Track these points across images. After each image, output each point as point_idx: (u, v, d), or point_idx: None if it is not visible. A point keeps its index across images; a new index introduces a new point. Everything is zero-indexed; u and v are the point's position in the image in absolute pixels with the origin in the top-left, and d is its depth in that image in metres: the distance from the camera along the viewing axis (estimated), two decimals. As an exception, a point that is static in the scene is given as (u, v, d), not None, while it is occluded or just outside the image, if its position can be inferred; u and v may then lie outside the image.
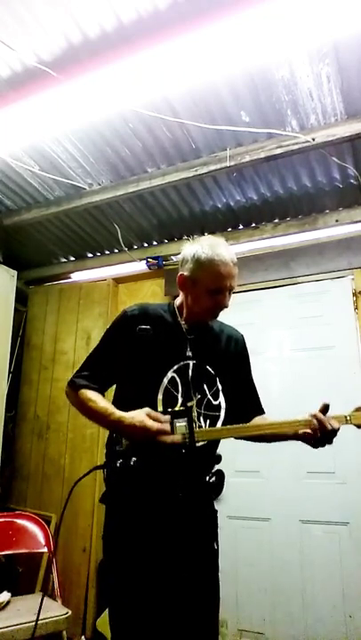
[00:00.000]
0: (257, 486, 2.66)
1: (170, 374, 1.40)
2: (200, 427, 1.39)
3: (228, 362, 1.53)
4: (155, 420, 1.24)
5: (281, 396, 2.69)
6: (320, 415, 1.31)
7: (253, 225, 2.96)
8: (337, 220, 2.74)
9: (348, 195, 2.63)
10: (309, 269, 2.80)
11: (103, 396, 1.42)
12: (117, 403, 1.41)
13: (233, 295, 1.46)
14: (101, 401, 1.37)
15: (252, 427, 1.44)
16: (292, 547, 2.51)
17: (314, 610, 2.39)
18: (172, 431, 1.24)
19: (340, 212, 2.74)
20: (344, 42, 1.80)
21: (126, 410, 1.32)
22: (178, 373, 1.41)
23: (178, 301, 1.53)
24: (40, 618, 2.07)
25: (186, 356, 1.44)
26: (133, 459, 1.29)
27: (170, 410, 1.31)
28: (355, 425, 1.34)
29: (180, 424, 1.25)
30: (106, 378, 1.45)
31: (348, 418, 1.35)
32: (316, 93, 2.05)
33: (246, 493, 2.64)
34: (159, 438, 1.22)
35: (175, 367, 1.42)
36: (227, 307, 1.44)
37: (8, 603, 2.24)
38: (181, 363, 1.43)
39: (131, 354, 1.41)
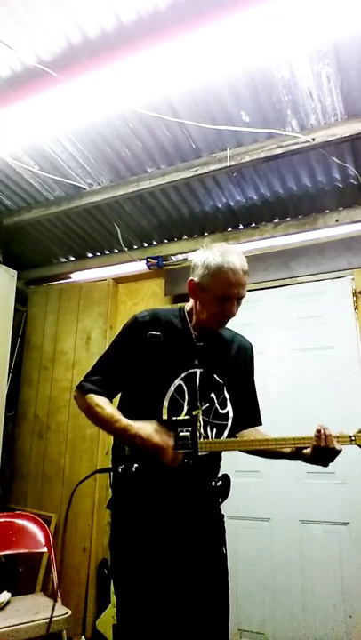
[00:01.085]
0: (257, 486, 2.66)
1: (177, 382, 1.39)
2: (206, 436, 1.39)
3: (236, 371, 1.53)
4: (163, 435, 1.24)
5: (281, 397, 2.69)
6: (328, 431, 1.28)
7: (253, 225, 2.96)
8: (337, 220, 2.74)
9: (348, 195, 2.63)
10: (309, 269, 2.80)
11: (111, 401, 1.43)
12: (123, 408, 1.41)
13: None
14: (108, 407, 1.37)
15: (257, 441, 1.41)
16: (292, 547, 2.51)
17: (314, 610, 2.39)
18: (176, 439, 1.25)
19: (340, 211, 2.74)
20: (344, 42, 1.80)
21: (131, 416, 1.32)
22: (185, 381, 1.41)
23: (188, 307, 1.52)
24: (40, 618, 2.07)
25: (193, 364, 1.43)
26: (135, 465, 1.29)
27: (174, 418, 1.32)
28: (359, 446, 1.31)
29: (184, 433, 1.25)
30: (115, 383, 1.45)
31: (353, 438, 1.30)
32: (316, 93, 2.05)
33: (246, 493, 2.64)
34: (161, 457, 1.23)
35: (183, 375, 1.41)
36: (233, 315, 1.43)
37: (8, 603, 2.24)
38: (190, 370, 1.42)
39: (140, 360, 1.41)
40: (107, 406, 1.36)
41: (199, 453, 1.26)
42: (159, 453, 1.23)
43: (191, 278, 1.44)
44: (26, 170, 2.62)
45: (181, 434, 1.25)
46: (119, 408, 1.42)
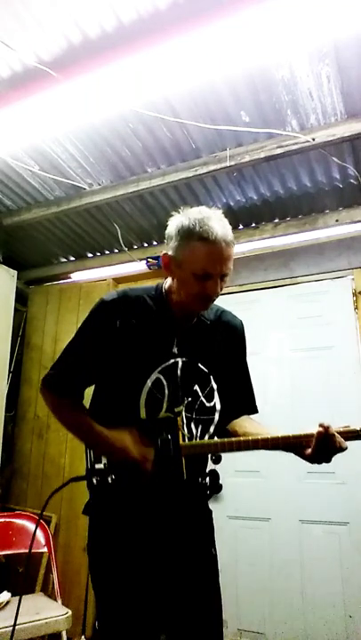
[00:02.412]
0: (257, 486, 2.66)
1: (154, 375, 1.21)
2: (190, 434, 1.24)
3: (224, 356, 1.34)
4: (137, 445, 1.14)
5: (280, 397, 2.69)
6: (332, 429, 1.07)
7: (253, 225, 2.96)
8: (337, 220, 2.73)
9: (348, 195, 2.63)
10: (309, 269, 2.81)
11: (82, 397, 1.30)
12: (96, 407, 1.29)
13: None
14: (79, 410, 1.26)
15: (251, 441, 1.17)
16: (292, 547, 2.51)
17: (314, 610, 2.39)
18: (156, 447, 1.15)
19: (340, 211, 2.74)
20: (344, 42, 1.80)
21: (105, 416, 1.22)
22: (164, 374, 1.23)
23: (167, 284, 1.30)
24: (40, 618, 2.07)
25: (172, 352, 1.25)
26: (112, 476, 1.17)
27: (151, 420, 1.20)
28: None
29: (164, 437, 1.14)
30: (83, 378, 1.29)
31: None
32: (316, 93, 2.05)
33: (246, 493, 2.64)
34: (139, 472, 1.14)
35: (161, 367, 1.23)
36: (216, 295, 1.20)
37: (8, 603, 2.24)
38: (170, 361, 1.24)
39: (110, 351, 1.22)
40: (77, 410, 1.24)
41: (183, 455, 1.15)
42: (136, 468, 1.13)
43: (165, 251, 1.24)
44: (26, 170, 2.62)
45: (161, 439, 1.14)
46: (91, 406, 1.30)
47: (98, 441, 1.19)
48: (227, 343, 1.36)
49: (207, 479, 1.28)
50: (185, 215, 1.22)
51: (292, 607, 2.44)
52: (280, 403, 2.65)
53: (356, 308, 2.68)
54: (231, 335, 1.38)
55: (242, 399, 1.38)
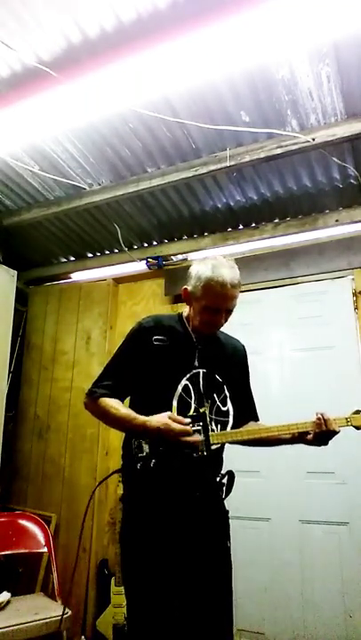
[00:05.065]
0: (257, 486, 2.66)
1: (183, 382, 1.50)
2: (212, 430, 1.46)
3: (233, 371, 1.63)
4: (176, 422, 1.34)
5: (281, 396, 2.69)
6: (326, 415, 1.44)
7: (253, 225, 2.96)
8: (337, 220, 2.73)
9: (348, 195, 2.63)
10: (309, 269, 2.80)
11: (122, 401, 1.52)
12: (134, 409, 1.48)
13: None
14: (122, 408, 1.46)
15: (264, 429, 1.50)
16: (292, 547, 2.51)
17: (314, 610, 2.39)
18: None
19: (340, 211, 2.74)
20: (344, 42, 1.80)
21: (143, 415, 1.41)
22: (190, 381, 1.51)
23: (186, 312, 1.63)
24: (40, 618, 2.07)
25: (195, 365, 1.53)
26: (153, 461, 1.37)
27: (187, 415, 1.42)
28: (354, 427, 1.45)
29: (196, 428, 1.38)
30: (124, 387, 1.53)
31: (349, 420, 1.45)
32: (316, 93, 2.05)
33: (246, 493, 2.64)
34: (181, 439, 1.33)
35: (188, 375, 1.51)
36: (221, 325, 1.54)
37: (8, 603, 2.24)
38: (193, 371, 1.52)
39: (148, 363, 1.50)
40: (121, 407, 1.46)
41: (212, 446, 1.39)
42: (178, 437, 1.33)
43: (185, 287, 1.56)
44: (26, 170, 2.62)
45: (194, 428, 1.37)
46: (130, 408, 1.50)
47: (142, 426, 1.37)
48: (234, 360, 1.67)
49: (225, 479, 1.51)
50: (204, 262, 1.52)
51: (292, 607, 2.44)
52: (280, 402, 2.64)
53: (356, 308, 2.68)
54: (237, 356, 1.69)
55: (249, 409, 1.68)
